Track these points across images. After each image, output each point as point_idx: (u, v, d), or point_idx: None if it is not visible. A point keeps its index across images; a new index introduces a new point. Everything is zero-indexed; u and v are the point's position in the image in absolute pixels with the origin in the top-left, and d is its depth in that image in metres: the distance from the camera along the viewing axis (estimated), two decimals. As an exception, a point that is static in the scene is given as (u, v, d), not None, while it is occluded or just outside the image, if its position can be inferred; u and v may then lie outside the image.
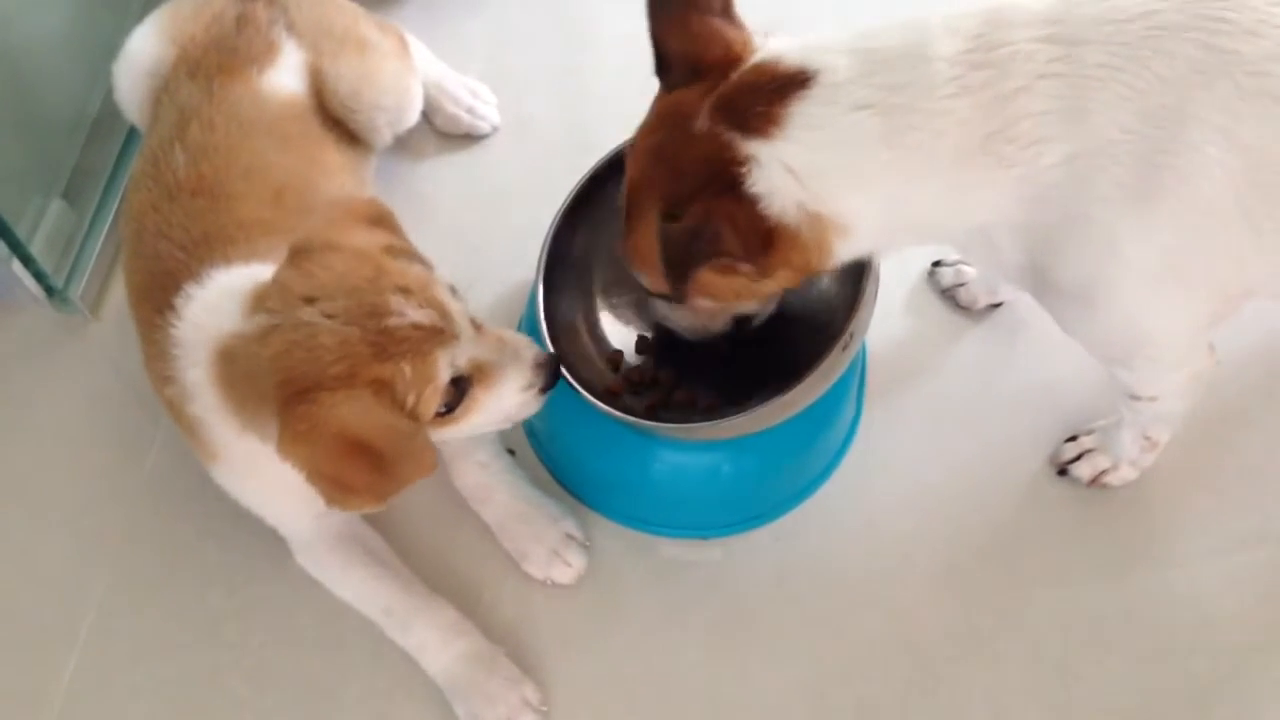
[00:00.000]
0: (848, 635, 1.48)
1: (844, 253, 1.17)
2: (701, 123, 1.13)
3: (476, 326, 1.24)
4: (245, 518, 1.44)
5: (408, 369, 1.14)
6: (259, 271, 1.24)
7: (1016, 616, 1.48)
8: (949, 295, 1.68)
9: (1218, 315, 1.22)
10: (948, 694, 1.44)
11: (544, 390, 1.30)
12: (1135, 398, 1.37)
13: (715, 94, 1.13)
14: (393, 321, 1.14)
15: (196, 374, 1.23)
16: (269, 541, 1.48)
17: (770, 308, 1.39)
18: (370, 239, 1.21)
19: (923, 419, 1.61)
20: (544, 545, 1.49)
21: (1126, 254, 1.12)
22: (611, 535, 1.55)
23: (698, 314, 1.36)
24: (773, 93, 1.11)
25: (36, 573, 1.58)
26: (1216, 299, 1.19)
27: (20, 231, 1.65)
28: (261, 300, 1.17)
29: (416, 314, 1.15)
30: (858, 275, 1.38)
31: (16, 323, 1.76)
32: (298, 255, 1.18)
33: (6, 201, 1.63)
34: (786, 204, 1.11)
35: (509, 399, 1.27)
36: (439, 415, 1.20)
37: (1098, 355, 1.33)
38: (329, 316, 1.13)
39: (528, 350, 1.28)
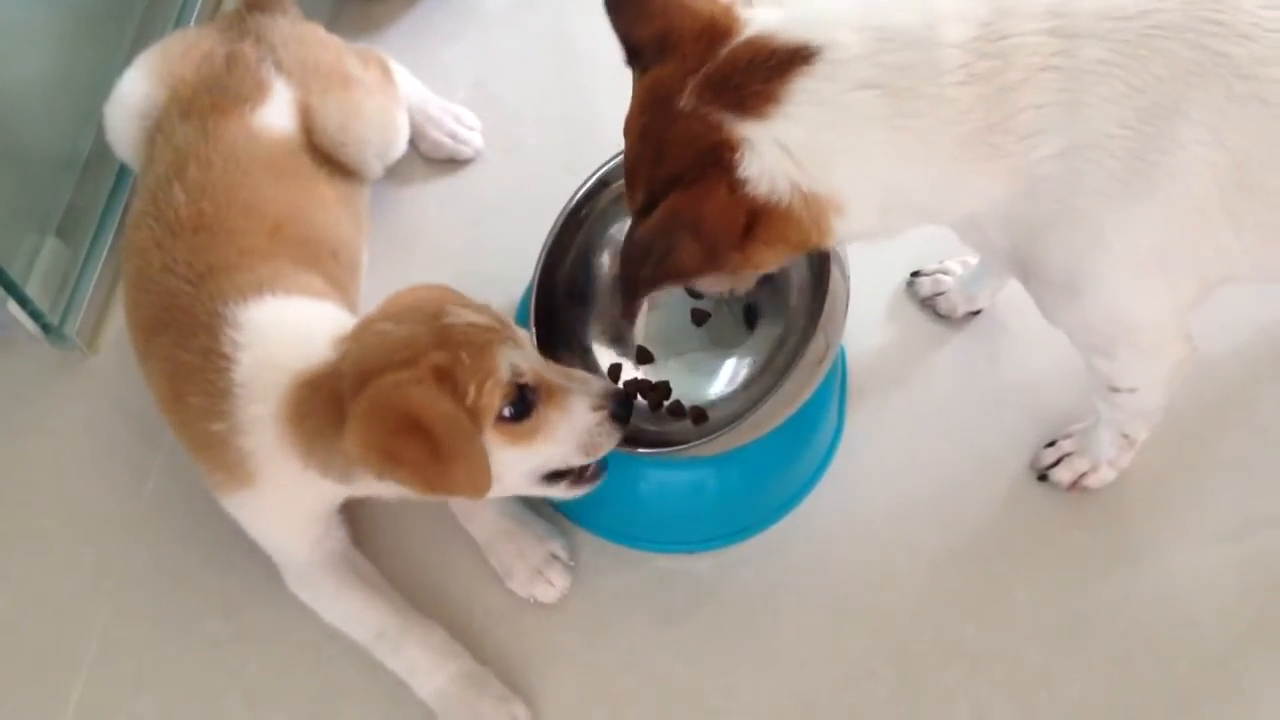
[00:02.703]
0: (835, 644, 1.50)
1: (844, 231, 1.14)
2: (686, 101, 1.09)
3: (545, 361, 1.31)
4: (241, 544, 1.47)
5: (465, 357, 1.20)
6: (317, 310, 1.38)
7: (999, 621, 1.49)
8: (928, 305, 1.70)
9: (1198, 300, 1.24)
10: (932, 700, 1.46)
11: (616, 416, 1.31)
12: (1115, 389, 1.38)
13: (703, 71, 1.09)
14: (450, 319, 1.22)
15: (259, 409, 1.29)
16: (264, 567, 1.50)
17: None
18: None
19: (905, 427, 1.63)
20: (528, 563, 1.51)
21: (1112, 245, 1.14)
22: (600, 550, 1.56)
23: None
24: (772, 69, 1.07)
25: (40, 605, 1.60)
26: (1198, 286, 1.21)
27: (15, 271, 1.66)
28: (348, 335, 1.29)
29: (474, 316, 1.24)
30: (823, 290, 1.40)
31: (13, 360, 1.78)
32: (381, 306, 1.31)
33: (1, 243, 1.65)
34: (778, 183, 1.08)
35: (580, 419, 1.29)
36: (506, 420, 1.24)
37: (1080, 344, 1.34)
38: (399, 324, 1.24)
39: (597, 382, 1.32)
